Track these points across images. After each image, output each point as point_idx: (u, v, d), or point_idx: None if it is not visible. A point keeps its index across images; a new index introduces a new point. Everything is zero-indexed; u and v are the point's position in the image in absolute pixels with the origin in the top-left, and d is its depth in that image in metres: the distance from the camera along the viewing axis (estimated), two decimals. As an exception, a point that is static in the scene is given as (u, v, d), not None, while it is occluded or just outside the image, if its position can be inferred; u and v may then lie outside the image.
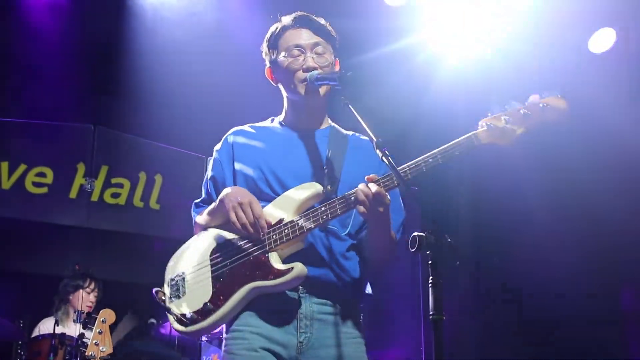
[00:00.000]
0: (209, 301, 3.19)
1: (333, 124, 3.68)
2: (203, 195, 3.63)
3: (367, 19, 7.60)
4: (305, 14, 3.58)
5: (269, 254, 3.19)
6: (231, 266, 3.23)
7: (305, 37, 3.49)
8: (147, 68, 7.86)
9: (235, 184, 3.44)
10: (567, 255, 7.73)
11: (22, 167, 8.39)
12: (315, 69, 3.40)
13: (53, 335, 6.66)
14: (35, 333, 7.11)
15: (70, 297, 7.49)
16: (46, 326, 7.28)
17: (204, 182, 3.66)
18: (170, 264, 3.42)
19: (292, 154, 3.47)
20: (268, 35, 3.62)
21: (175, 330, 3.26)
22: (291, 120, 3.61)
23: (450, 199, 8.91)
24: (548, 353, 7.88)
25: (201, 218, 3.51)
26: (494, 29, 7.72)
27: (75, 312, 7.25)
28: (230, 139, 3.59)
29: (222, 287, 3.21)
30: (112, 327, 6.02)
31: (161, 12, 7.66)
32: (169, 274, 3.38)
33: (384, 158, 2.92)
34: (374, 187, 3.07)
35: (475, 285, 8.79)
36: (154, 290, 3.32)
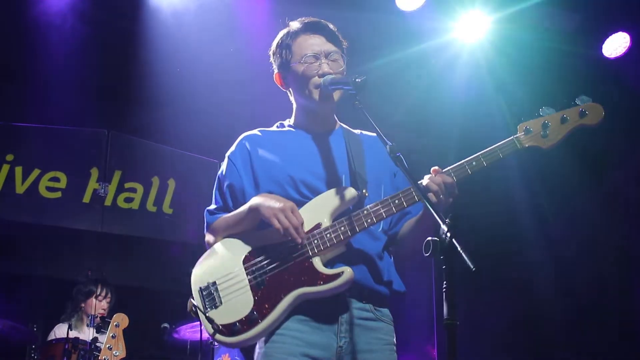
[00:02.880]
0: (254, 310, 3.15)
1: (342, 124, 3.69)
2: (216, 201, 3.58)
3: (380, 24, 7.61)
4: (316, 19, 3.58)
5: (312, 259, 3.18)
6: (271, 273, 3.20)
7: (319, 43, 3.49)
8: (160, 74, 7.88)
9: (258, 191, 3.41)
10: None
11: (36, 172, 8.41)
12: (329, 74, 3.40)
13: (66, 340, 6.67)
14: (51, 337, 7.12)
15: (83, 305, 7.50)
16: (62, 331, 7.29)
17: (216, 189, 3.61)
18: (197, 272, 3.33)
19: (315, 157, 3.47)
20: (278, 40, 3.62)
21: (217, 341, 3.20)
22: (303, 123, 3.61)
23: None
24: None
25: (221, 225, 3.44)
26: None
27: (88, 317, 7.26)
28: (246, 144, 3.55)
29: (265, 295, 3.17)
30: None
31: (176, 18, 7.67)
32: (198, 283, 3.29)
33: (397, 162, 2.92)
34: (447, 178, 3.14)
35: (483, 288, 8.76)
36: (190, 301, 3.24)
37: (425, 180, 3.18)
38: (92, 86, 8.13)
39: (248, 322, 3.14)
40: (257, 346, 3.30)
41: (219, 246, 3.40)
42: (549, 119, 3.29)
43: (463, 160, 3.23)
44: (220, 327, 3.15)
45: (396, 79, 8.10)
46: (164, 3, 7.62)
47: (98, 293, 7.46)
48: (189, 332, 7.18)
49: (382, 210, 3.20)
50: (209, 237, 3.50)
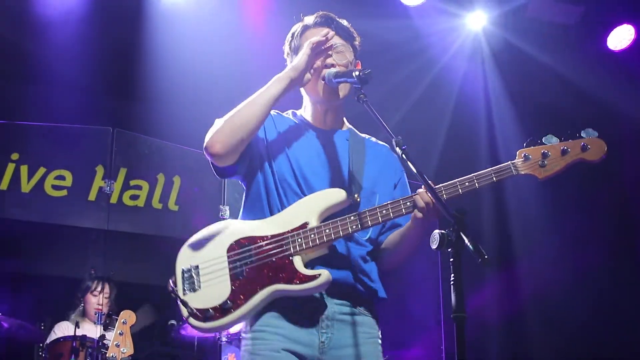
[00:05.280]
0: (229, 299, 3.15)
1: (350, 126, 3.68)
2: None
3: (384, 19, 7.61)
4: (327, 13, 3.58)
5: (293, 257, 3.18)
6: (251, 265, 3.19)
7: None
8: (164, 70, 7.89)
9: (269, 158, 3.41)
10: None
11: (42, 171, 8.41)
12: (333, 66, 3.40)
13: (74, 337, 6.68)
14: (52, 337, 7.12)
15: (81, 300, 7.52)
16: (61, 329, 7.30)
17: None
18: (182, 253, 3.32)
19: (317, 154, 3.47)
20: (289, 36, 3.63)
21: (190, 324, 3.20)
22: (311, 118, 3.60)
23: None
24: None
25: (236, 108, 3.35)
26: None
27: (95, 314, 7.27)
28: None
29: (241, 286, 3.17)
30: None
31: (179, 15, 7.68)
32: (181, 264, 3.28)
33: (403, 156, 2.91)
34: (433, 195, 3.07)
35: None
36: (170, 280, 3.26)
37: (415, 195, 3.19)
38: (96, 84, 8.14)
39: (221, 310, 3.14)
40: (242, 344, 3.31)
41: (208, 230, 3.36)
42: (550, 148, 3.23)
43: (456, 180, 3.21)
44: (195, 310, 3.16)
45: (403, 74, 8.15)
46: (168, 1, 7.63)
47: (93, 288, 7.47)
48: (196, 328, 7.17)
49: (368, 219, 3.20)
50: (208, 136, 3.32)
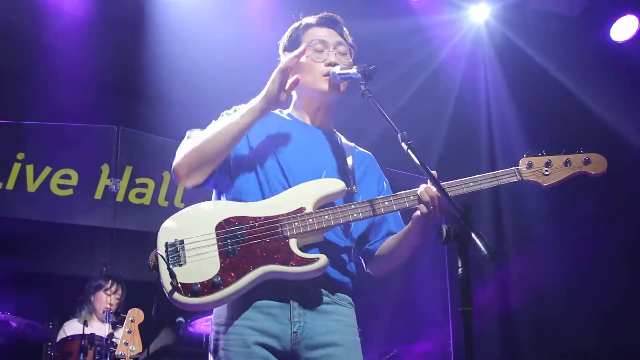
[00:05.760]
0: (218, 274, 3.08)
1: (338, 133, 3.69)
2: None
3: (387, 11, 7.62)
4: (331, 15, 3.59)
5: (289, 240, 3.15)
6: (243, 244, 3.14)
7: (330, 35, 3.50)
8: (169, 68, 7.90)
9: (248, 154, 3.40)
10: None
11: (47, 170, 8.44)
12: (336, 64, 3.41)
13: (82, 336, 6.70)
14: (61, 335, 7.14)
15: (92, 298, 7.51)
16: (70, 327, 7.32)
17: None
18: (166, 226, 3.25)
19: (306, 149, 3.46)
20: (289, 31, 3.62)
21: (174, 300, 3.07)
22: (303, 115, 3.61)
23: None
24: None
25: (198, 139, 3.34)
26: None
27: (103, 312, 7.28)
28: None
29: (232, 264, 3.10)
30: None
31: (183, 14, 7.69)
32: (165, 238, 3.19)
33: (409, 151, 2.91)
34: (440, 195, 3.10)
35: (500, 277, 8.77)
36: (152, 254, 3.15)
37: (420, 189, 3.20)
38: (101, 83, 8.15)
39: (210, 286, 3.05)
40: (211, 336, 3.28)
41: (195, 207, 3.32)
42: (552, 158, 3.35)
43: (460, 179, 3.25)
44: (179, 285, 3.04)
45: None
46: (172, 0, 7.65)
47: (107, 287, 7.48)
48: (204, 325, 7.19)
49: (369, 208, 3.20)
50: (176, 158, 3.37)
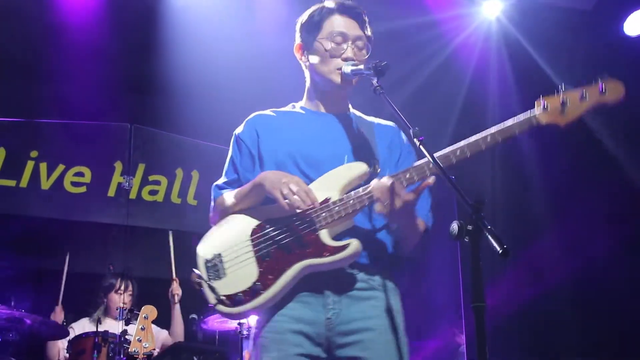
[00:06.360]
0: (258, 281, 3.15)
1: (354, 110, 3.68)
2: (225, 176, 3.60)
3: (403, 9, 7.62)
4: (354, 4, 3.56)
5: (319, 231, 3.17)
6: (277, 245, 3.20)
7: (351, 27, 3.47)
8: (181, 66, 7.91)
9: (263, 169, 3.42)
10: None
11: (61, 167, 8.46)
12: (353, 60, 3.40)
13: (96, 333, 6.71)
14: (71, 334, 7.15)
15: (105, 300, 7.52)
16: (80, 327, 7.33)
17: (227, 165, 3.63)
18: (202, 246, 3.36)
19: (324, 137, 3.46)
20: (310, 11, 3.59)
21: (220, 312, 3.20)
22: (315, 104, 3.61)
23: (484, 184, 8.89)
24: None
25: (226, 200, 3.44)
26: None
27: (117, 310, 7.30)
28: (255, 125, 3.58)
29: (269, 267, 3.18)
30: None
31: (195, 11, 7.69)
32: (203, 256, 3.31)
33: (421, 147, 2.90)
34: (389, 181, 3.06)
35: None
36: (193, 273, 3.26)
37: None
38: (113, 81, 8.16)
39: (251, 292, 3.15)
40: (253, 327, 3.38)
41: (225, 222, 3.41)
42: (568, 95, 3.20)
43: (477, 136, 3.16)
44: (222, 297, 3.16)
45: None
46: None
47: (118, 287, 7.48)
48: (217, 322, 7.20)
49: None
50: (213, 212, 3.54)
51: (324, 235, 3.17)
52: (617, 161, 7.85)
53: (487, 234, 2.47)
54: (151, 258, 8.62)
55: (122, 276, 7.53)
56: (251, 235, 3.27)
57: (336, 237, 3.20)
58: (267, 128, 3.55)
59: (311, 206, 3.16)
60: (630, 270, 7.65)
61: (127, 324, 6.67)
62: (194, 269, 3.28)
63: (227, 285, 3.20)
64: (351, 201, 3.18)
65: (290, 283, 3.16)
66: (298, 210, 3.16)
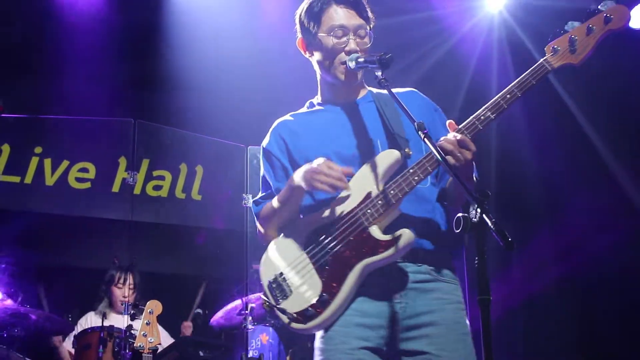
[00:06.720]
0: (323, 291, 3.16)
1: (370, 88, 3.63)
2: (262, 190, 3.60)
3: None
4: None
5: (369, 229, 3.16)
6: (332, 252, 3.19)
7: (350, 17, 3.41)
8: (184, 60, 7.91)
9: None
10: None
11: (65, 163, 8.48)
12: (356, 52, 3.36)
13: (102, 328, 6.73)
14: (78, 329, 7.17)
15: (109, 292, 7.54)
16: (87, 321, 7.35)
17: (261, 180, 3.61)
18: (263, 268, 3.37)
19: (348, 129, 3.44)
20: (307, 5, 3.54)
21: (295, 330, 3.21)
22: (331, 98, 3.58)
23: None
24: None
25: (268, 211, 3.46)
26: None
27: (122, 304, 7.31)
28: (280, 132, 3.55)
29: (330, 275, 3.17)
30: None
31: (200, 6, 7.70)
32: (266, 278, 3.32)
33: (426, 140, 2.88)
34: (457, 136, 3.05)
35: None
36: (261, 295, 3.29)
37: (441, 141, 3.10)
38: (117, 76, 8.18)
39: (320, 304, 3.14)
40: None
41: (274, 243, 3.41)
42: (575, 32, 3.19)
43: (497, 97, 3.15)
44: (295, 315, 3.17)
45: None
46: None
47: (116, 281, 7.50)
48: (221, 317, 7.21)
49: (427, 164, 3.13)
50: (259, 226, 3.54)
51: (375, 231, 3.16)
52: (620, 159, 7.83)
53: (491, 226, 2.46)
54: (156, 253, 8.64)
55: (122, 269, 7.54)
56: (305, 248, 3.27)
57: (387, 230, 3.18)
58: (293, 133, 3.52)
59: (345, 173, 3.16)
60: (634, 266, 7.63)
61: (132, 319, 6.69)
62: (261, 295, 3.30)
63: (295, 302, 3.20)
64: (392, 191, 3.15)
65: (355, 286, 3.16)
66: (341, 186, 3.15)
